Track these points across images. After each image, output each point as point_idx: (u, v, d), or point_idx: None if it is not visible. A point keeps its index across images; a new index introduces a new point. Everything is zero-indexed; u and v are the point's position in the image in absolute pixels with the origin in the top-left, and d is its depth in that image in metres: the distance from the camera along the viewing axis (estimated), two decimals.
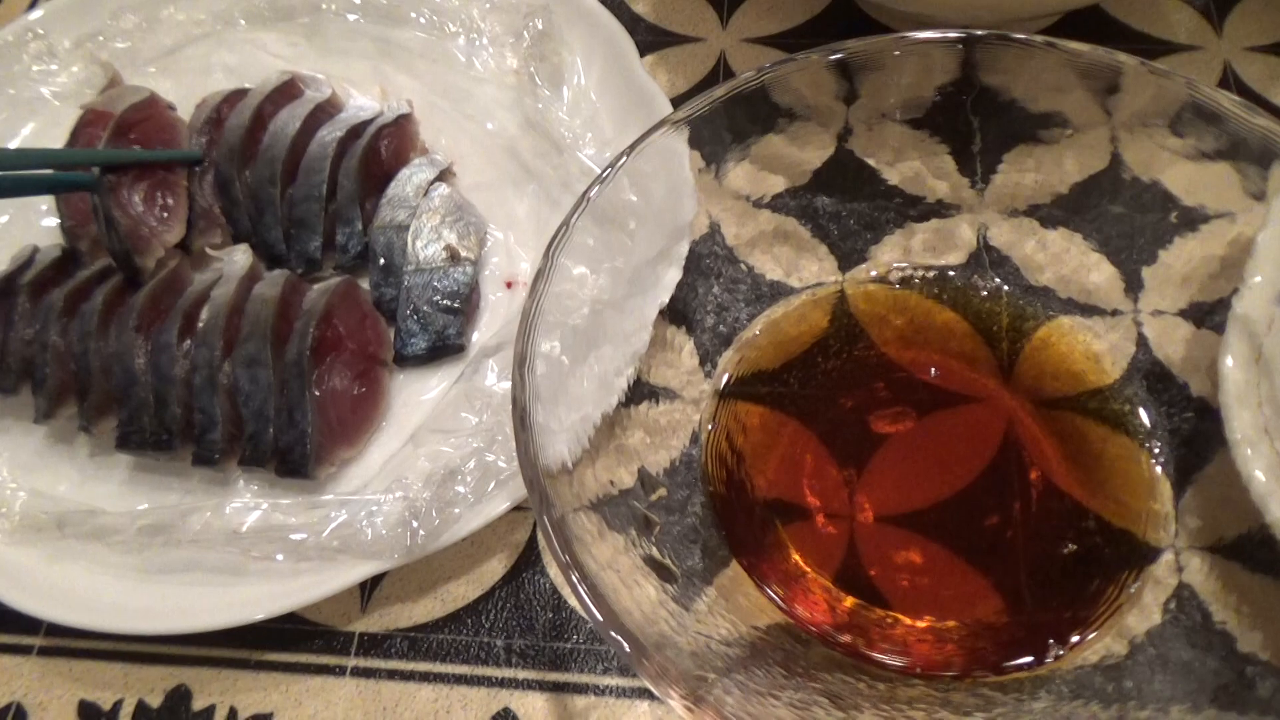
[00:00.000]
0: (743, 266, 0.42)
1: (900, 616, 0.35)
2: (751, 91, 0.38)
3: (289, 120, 0.47)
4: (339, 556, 0.37)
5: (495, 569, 0.40)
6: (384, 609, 0.39)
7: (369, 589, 0.39)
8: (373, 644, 0.38)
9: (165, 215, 0.46)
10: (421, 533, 0.36)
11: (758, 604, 0.35)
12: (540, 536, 0.40)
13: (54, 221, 0.48)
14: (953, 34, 0.37)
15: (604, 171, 0.35)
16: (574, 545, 0.29)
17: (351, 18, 0.53)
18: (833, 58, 0.38)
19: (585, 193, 0.34)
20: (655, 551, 0.33)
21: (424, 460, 0.39)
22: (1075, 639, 0.33)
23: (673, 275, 0.39)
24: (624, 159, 0.35)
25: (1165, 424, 0.37)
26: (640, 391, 0.37)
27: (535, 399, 0.31)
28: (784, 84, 0.38)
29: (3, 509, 0.39)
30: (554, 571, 0.40)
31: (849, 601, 0.35)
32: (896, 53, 0.38)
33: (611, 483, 0.34)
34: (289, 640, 0.39)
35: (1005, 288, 0.41)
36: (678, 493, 0.37)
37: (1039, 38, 0.36)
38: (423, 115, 0.49)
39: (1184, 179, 0.37)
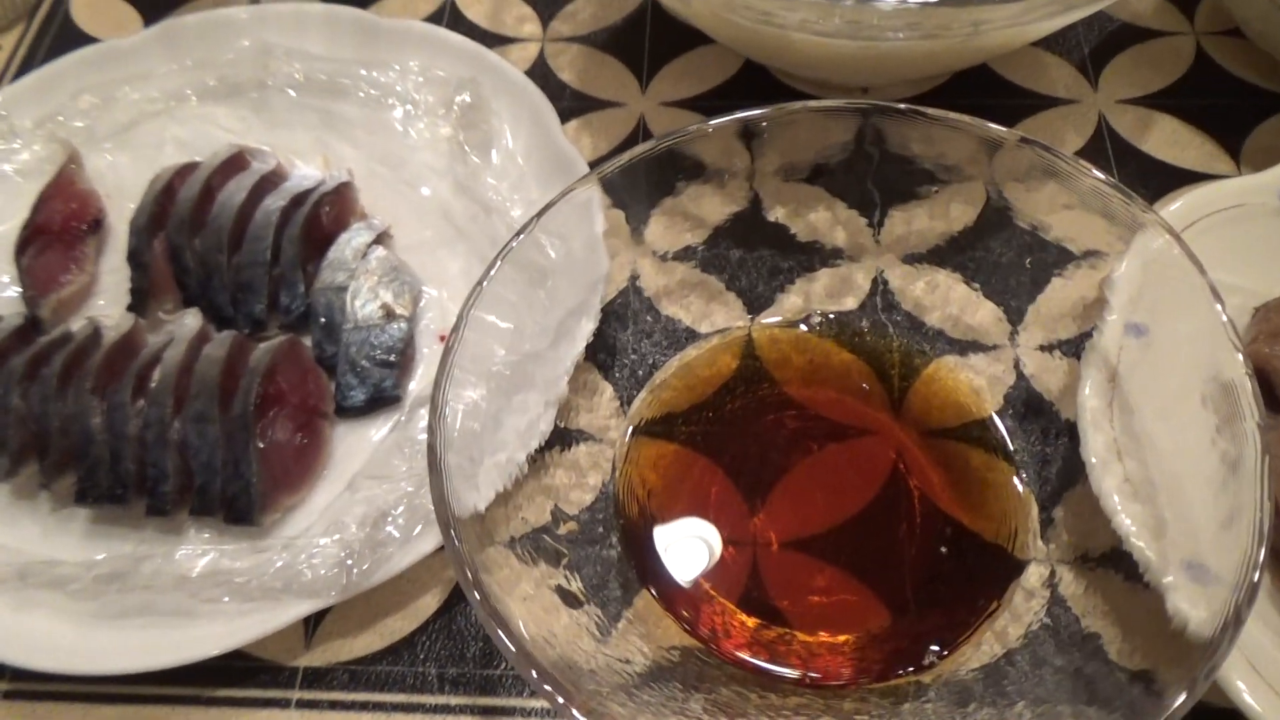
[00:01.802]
0: (659, 315, 0.45)
1: (798, 634, 0.38)
2: (660, 154, 0.41)
3: (236, 191, 0.50)
4: (282, 596, 0.40)
5: (429, 603, 0.43)
6: (326, 644, 0.42)
7: (312, 626, 0.42)
8: (316, 677, 0.41)
9: (69, 271, 0.51)
10: (355, 571, 0.39)
11: (667, 628, 0.38)
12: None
13: (14, 289, 0.52)
14: (842, 104, 0.41)
15: (518, 232, 0.38)
16: (480, 575, 0.32)
17: (294, 93, 0.56)
18: (734, 124, 0.41)
19: (499, 253, 0.38)
20: (564, 581, 0.36)
21: (359, 504, 0.42)
22: (955, 645, 0.37)
23: (589, 326, 0.42)
24: (535, 220, 0.39)
25: (1038, 449, 0.41)
26: (561, 435, 0.41)
27: (448, 445, 0.34)
28: (691, 147, 0.42)
29: None
30: None
31: (751, 622, 0.38)
32: (792, 119, 0.42)
33: (526, 520, 0.38)
34: (237, 676, 0.41)
35: (896, 329, 0.45)
36: (596, 528, 0.40)
37: (919, 108, 0.40)
38: (363, 182, 0.53)
39: (1056, 226, 0.41)
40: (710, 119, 0.41)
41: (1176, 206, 0.46)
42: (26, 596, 0.42)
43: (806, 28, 0.43)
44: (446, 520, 0.33)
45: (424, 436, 0.44)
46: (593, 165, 0.51)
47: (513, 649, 0.29)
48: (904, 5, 0.39)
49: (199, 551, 0.42)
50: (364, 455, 0.45)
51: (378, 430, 0.46)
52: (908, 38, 0.43)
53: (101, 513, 0.44)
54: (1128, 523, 0.36)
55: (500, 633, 0.30)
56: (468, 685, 0.41)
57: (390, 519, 0.40)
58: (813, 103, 0.41)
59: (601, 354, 0.43)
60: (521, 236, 0.38)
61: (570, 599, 0.36)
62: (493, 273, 0.38)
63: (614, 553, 0.40)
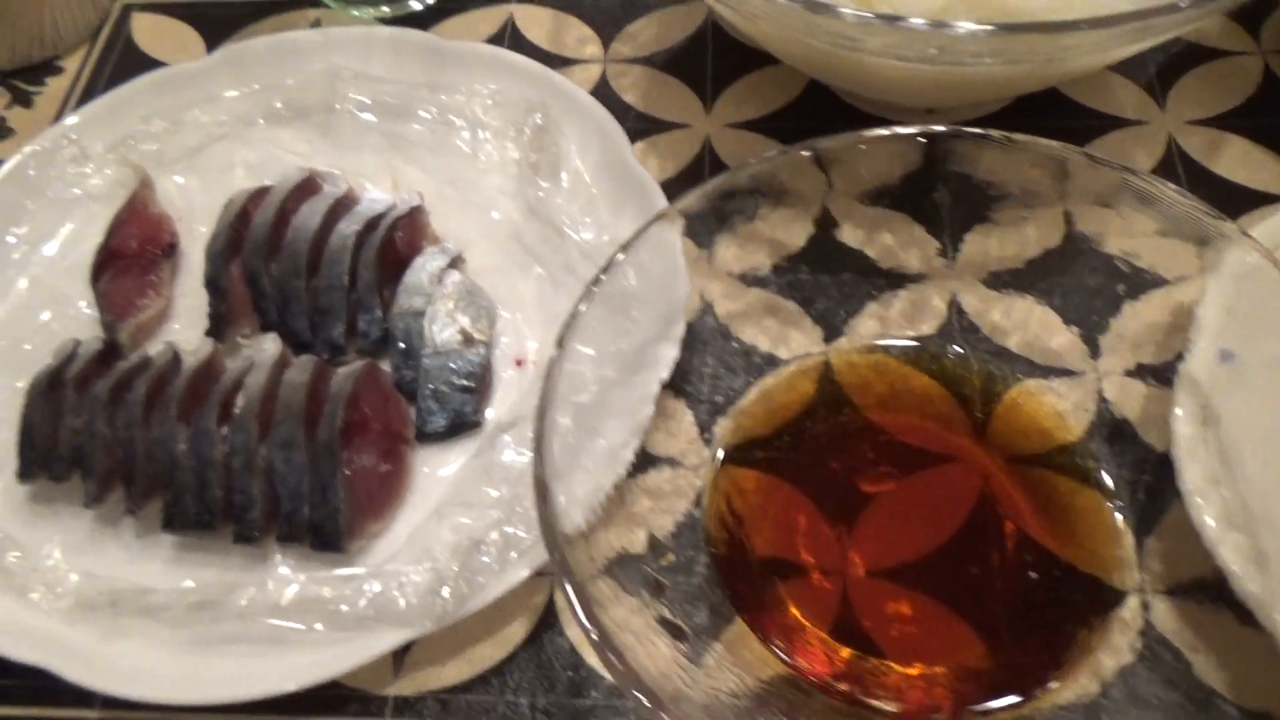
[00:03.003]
0: (734, 340, 0.45)
1: (893, 664, 0.38)
2: (739, 184, 0.42)
3: (310, 215, 0.50)
4: (375, 625, 0.40)
5: (517, 631, 0.43)
6: (415, 672, 0.42)
7: (401, 654, 0.42)
8: (406, 706, 0.41)
9: (146, 296, 0.51)
10: (450, 600, 0.39)
11: (761, 657, 0.38)
12: (561, 600, 0.43)
13: (91, 313, 0.52)
14: (913, 130, 0.41)
15: (608, 262, 0.39)
16: (594, 608, 0.32)
17: (361, 116, 0.57)
18: (807, 153, 0.42)
19: (592, 282, 0.38)
20: (667, 612, 0.36)
21: (448, 532, 0.42)
22: (1052, 679, 0.37)
23: (671, 352, 0.42)
24: (624, 251, 0.39)
25: (1127, 476, 0.41)
26: (645, 461, 0.41)
27: (555, 475, 0.34)
28: (766, 174, 0.42)
29: (58, 589, 0.42)
30: (572, 632, 0.43)
31: (845, 652, 0.38)
32: (864, 146, 0.42)
33: (623, 548, 0.38)
34: (329, 705, 0.41)
35: (975, 353, 0.45)
36: (683, 554, 0.40)
37: (993, 132, 0.40)
38: (432, 205, 0.53)
39: (1132, 250, 0.40)
40: (783, 146, 0.41)
41: (1260, 229, 0.46)
42: (117, 624, 0.42)
43: (888, 52, 0.43)
44: (558, 553, 0.33)
45: (508, 462, 0.44)
46: (663, 186, 0.52)
47: (643, 692, 0.29)
48: (991, 31, 0.39)
49: (290, 579, 0.42)
50: (445, 481, 0.46)
51: (457, 456, 0.47)
52: (991, 63, 0.43)
53: (187, 539, 0.44)
54: (1229, 555, 0.36)
55: (623, 669, 0.30)
56: (559, 716, 0.41)
57: (483, 547, 0.40)
58: (886, 130, 0.41)
59: (678, 378, 0.44)
60: (615, 264, 0.39)
61: (675, 631, 0.36)
62: (586, 306, 0.38)
63: (700, 580, 0.40)
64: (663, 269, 0.42)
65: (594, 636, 0.31)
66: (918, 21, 0.39)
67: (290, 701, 0.40)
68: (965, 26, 0.38)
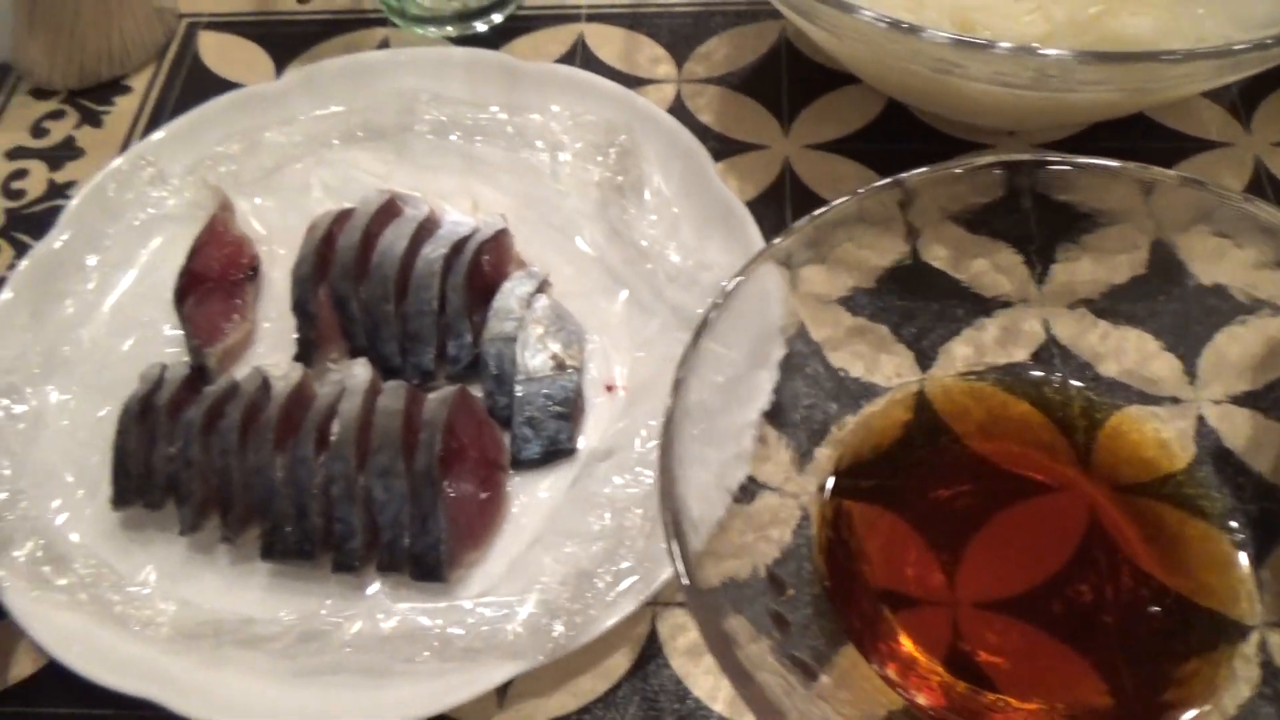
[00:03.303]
0: (827, 365, 0.45)
1: (1010, 700, 0.37)
2: (833, 220, 0.41)
3: (395, 239, 0.50)
4: (482, 657, 0.40)
5: (621, 662, 0.42)
6: (520, 704, 0.42)
7: (504, 685, 0.42)
8: None
9: (231, 320, 0.51)
10: (561, 632, 0.39)
11: (877, 689, 0.38)
12: (664, 630, 0.43)
13: (173, 336, 0.52)
14: (996, 161, 0.40)
15: (720, 296, 0.38)
16: (734, 650, 0.32)
17: (437, 137, 0.56)
18: (897, 189, 0.41)
19: (705, 316, 0.38)
20: (795, 649, 0.36)
21: (553, 562, 0.42)
22: (1171, 717, 0.36)
23: (768, 379, 0.42)
24: (732, 286, 0.39)
25: (1237, 505, 0.40)
26: (747, 491, 0.40)
27: (686, 518, 0.34)
28: (858, 210, 0.42)
29: (158, 619, 0.42)
30: (677, 663, 0.42)
31: (960, 686, 0.38)
32: (954, 178, 0.42)
33: (747, 585, 0.37)
34: None
35: (1074, 379, 0.44)
36: (797, 587, 0.40)
37: (1079, 159, 0.40)
38: (512, 228, 0.53)
39: (1227, 273, 0.40)
40: (871, 173, 0.41)
41: None
42: (218, 654, 0.41)
43: (995, 79, 0.43)
44: (697, 594, 0.32)
45: (609, 492, 0.43)
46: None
47: None
48: (1107, 61, 0.39)
49: (390, 609, 0.41)
50: (540, 509, 0.45)
51: (550, 483, 0.46)
52: (1094, 90, 0.43)
53: (283, 568, 0.44)
54: None
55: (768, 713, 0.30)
56: None
57: (593, 579, 0.40)
58: (976, 161, 0.41)
59: (773, 404, 0.43)
60: (728, 298, 0.39)
61: (805, 669, 0.35)
62: (703, 338, 0.38)
63: (809, 611, 0.40)
64: (757, 295, 0.41)
65: (736, 682, 0.31)
66: (1032, 49, 0.39)
67: None
68: (1082, 55, 0.38)
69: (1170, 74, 0.40)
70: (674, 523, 0.34)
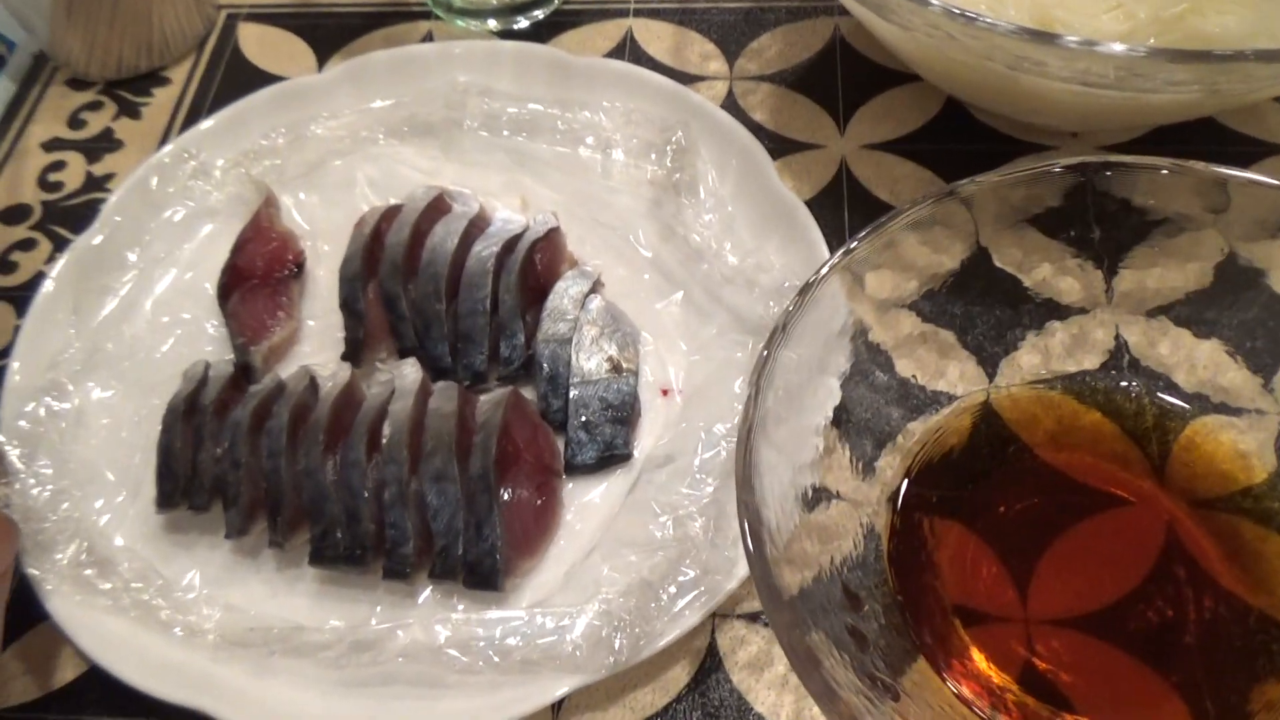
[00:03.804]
0: (891, 371, 0.44)
1: None
2: (900, 227, 0.40)
3: (445, 236, 0.49)
4: (540, 670, 0.38)
5: (680, 675, 0.41)
6: (575, 716, 0.40)
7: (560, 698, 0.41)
8: None
9: (276, 317, 0.49)
10: (623, 645, 0.38)
11: (951, 708, 0.36)
12: (724, 643, 0.42)
13: (216, 334, 0.50)
14: (1067, 163, 0.39)
15: (792, 305, 0.37)
16: (820, 669, 0.30)
17: (486, 133, 0.55)
18: (962, 197, 0.40)
19: (780, 324, 0.37)
20: (873, 667, 0.34)
21: (610, 571, 0.41)
22: None
23: (833, 385, 0.40)
24: (804, 296, 0.37)
25: None
26: (814, 499, 0.39)
27: (765, 527, 0.33)
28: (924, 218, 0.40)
29: (204, 625, 0.41)
30: (738, 678, 0.41)
31: (1033, 703, 0.36)
32: (1020, 182, 0.40)
33: (812, 593, 0.36)
34: None
35: (1145, 388, 0.43)
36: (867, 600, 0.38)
37: (1145, 159, 0.38)
38: (564, 226, 0.51)
39: None
40: (932, 176, 0.40)
41: None
42: (268, 663, 0.40)
43: (1076, 77, 0.41)
44: (780, 608, 0.31)
45: (673, 500, 0.42)
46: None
47: None
48: (1200, 60, 0.37)
49: (443, 618, 0.40)
50: (595, 517, 0.44)
51: (606, 489, 0.45)
52: (1178, 91, 0.42)
53: (331, 574, 0.43)
54: None
55: None
56: None
57: (658, 589, 0.38)
58: (1043, 166, 0.40)
59: (836, 411, 0.42)
60: (800, 308, 0.37)
61: (885, 688, 0.34)
62: (779, 348, 0.37)
63: (877, 626, 0.38)
64: (826, 302, 0.40)
65: (823, 701, 0.30)
66: (1118, 47, 0.37)
67: None
68: (1175, 54, 0.37)
69: (1261, 74, 0.38)
70: (752, 532, 0.33)
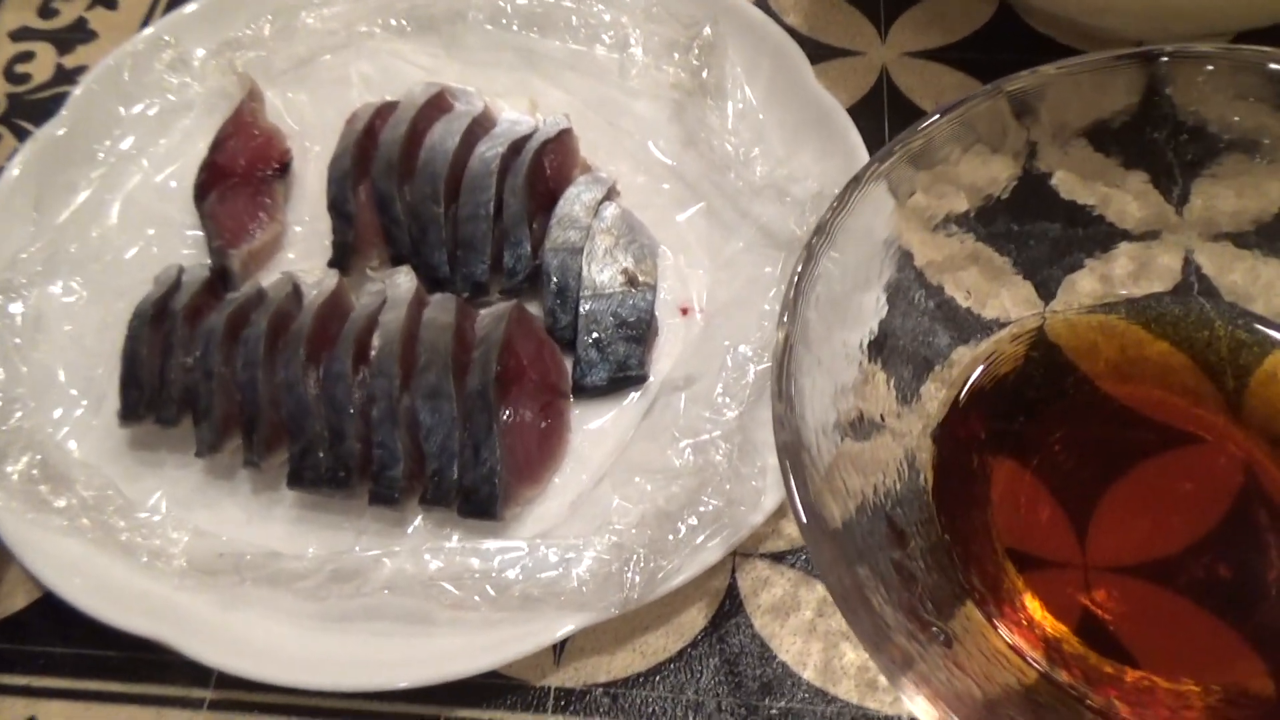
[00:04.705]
0: (933, 293, 0.39)
1: (1156, 678, 0.32)
2: (943, 135, 0.36)
3: (445, 135, 0.44)
4: (542, 606, 0.34)
5: (695, 618, 0.37)
6: (579, 661, 0.36)
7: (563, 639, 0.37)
8: (570, 700, 0.36)
9: (257, 219, 0.45)
10: (639, 582, 0.33)
11: (1002, 657, 0.32)
12: (746, 584, 0.38)
13: (193, 237, 0.46)
14: (1124, 53, 0.34)
15: (829, 214, 0.33)
16: (870, 609, 0.26)
17: (492, 28, 0.50)
18: (1013, 97, 0.36)
19: (822, 231, 0.33)
20: (921, 609, 0.30)
21: (621, 501, 0.36)
22: None
23: (873, 303, 0.36)
24: (835, 215, 0.33)
25: None
26: (854, 426, 0.35)
27: (806, 452, 0.29)
28: (970, 120, 0.36)
29: (170, 549, 0.37)
30: (760, 622, 0.37)
31: (1094, 657, 0.33)
32: (1077, 79, 0.36)
33: (854, 528, 0.32)
34: (480, 696, 0.36)
35: (1219, 316, 0.38)
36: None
37: (1217, 47, 0.34)
38: (578, 130, 0.47)
39: None
40: (979, 83, 0.36)
41: None
42: (238, 593, 0.36)
43: None
44: (822, 542, 0.27)
45: (689, 425, 0.38)
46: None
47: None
48: None
49: (435, 548, 0.36)
50: (606, 442, 0.40)
51: (617, 414, 0.41)
52: None
53: (312, 498, 0.39)
54: None
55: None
56: (750, 719, 0.35)
57: (675, 522, 0.34)
58: (1085, 59, 0.35)
59: (874, 333, 0.37)
60: (833, 227, 0.33)
61: (936, 632, 0.30)
62: (820, 259, 0.32)
63: (921, 565, 0.34)
64: (865, 212, 0.36)
65: (872, 645, 0.26)
66: None
67: (435, 689, 0.35)
68: None
69: None
70: (792, 456, 0.28)
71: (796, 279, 0.32)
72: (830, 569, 0.27)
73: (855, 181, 0.33)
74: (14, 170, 0.45)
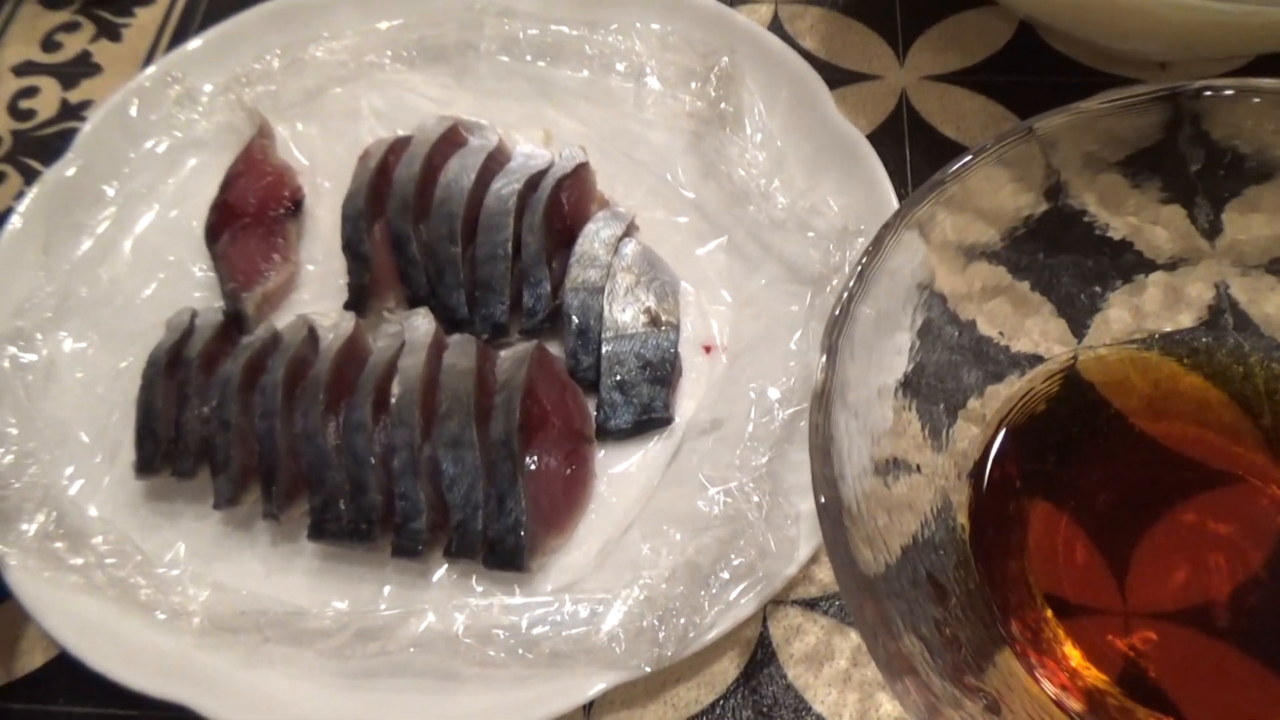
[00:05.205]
0: (964, 329, 0.39)
1: None
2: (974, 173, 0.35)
3: (461, 172, 0.43)
4: (569, 663, 0.33)
5: (727, 669, 0.36)
6: (610, 716, 0.36)
7: None
8: None
9: (271, 261, 0.44)
10: (671, 638, 0.33)
11: (1046, 712, 0.32)
12: (778, 633, 0.37)
13: (203, 278, 0.45)
14: (1159, 91, 0.34)
15: (865, 254, 0.33)
16: (915, 675, 0.26)
17: (506, 58, 0.49)
18: (1043, 134, 0.35)
19: (857, 276, 0.32)
20: (968, 672, 0.30)
21: (649, 550, 0.36)
22: None
23: (904, 342, 0.35)
24: (870, 259, 0.33)
25: None
26: (888, 470, 0.34)
27: (845, 506, 0.28)
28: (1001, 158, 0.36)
29: (189, 606, 0.36)
30: (793, 672, 0.36)
31: (1142, 712, 0.32)
32: (1106, 116, 0.35)
33: (893, 583, 0.31)
34: None
35: (1255, 349, 0.38)
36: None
37: (1254, 82, 0.33)
38: (593, 162, 0.46)
39: None
40: (1012, 119, 0.36)
41: None
42: (259, 651, 0.35)
43: None
44: (865, 604, 0.26)
45: (715, 472, 0.37)
46: None
47: None
48: None
49: (460, 604, 0.35)
50: (631, 489, 0.39)
51: (642, 458, 0.40)
52: None
53: (333, 551, 0.38)
54: None
55: None
56: None
57: (711, 576, 0.33)
58: (1128, 94, 0.35)
59: (905, 374, 0.37)
60: (871, 272, 0.33)
61: (983, 697, 0.29)
62: (857, 303, 0.32)
63: (961, 615, 0.34)
64: (897, 254, 0.35)
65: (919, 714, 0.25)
66: None
67: None
68: None
69: None
70: (832, 517, 0.28)
71: (832, 331, 0.31)
72: (874, 636, 0.26)
73: (888, 229, 0.32)
74: (21, 213, 0.44)
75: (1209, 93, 0.34)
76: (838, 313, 0.31)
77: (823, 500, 0.28)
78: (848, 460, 0.30)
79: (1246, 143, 0.35)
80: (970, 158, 0.34)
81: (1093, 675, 0.32)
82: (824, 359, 0.30)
